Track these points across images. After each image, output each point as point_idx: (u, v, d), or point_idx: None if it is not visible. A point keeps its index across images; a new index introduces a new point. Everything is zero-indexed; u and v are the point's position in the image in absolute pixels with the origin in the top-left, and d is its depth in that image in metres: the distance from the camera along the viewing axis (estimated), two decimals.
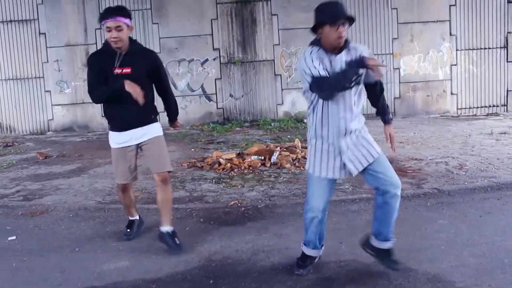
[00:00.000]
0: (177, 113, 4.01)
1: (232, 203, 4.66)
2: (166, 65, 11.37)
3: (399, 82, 11.74)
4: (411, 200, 4.63)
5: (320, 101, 2.84)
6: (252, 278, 3.04)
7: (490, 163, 6.00)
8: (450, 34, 11.70)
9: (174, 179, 5.80)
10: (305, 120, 11.05)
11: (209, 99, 11.62)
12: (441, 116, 11.64)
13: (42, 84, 11.51)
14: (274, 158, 6.30)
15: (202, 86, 11.57)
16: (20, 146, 9.34)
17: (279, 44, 11.40)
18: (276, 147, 6.98)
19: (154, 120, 3.72)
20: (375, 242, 3.06)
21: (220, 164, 6.18)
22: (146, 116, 3.62)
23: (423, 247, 3.45)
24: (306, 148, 6.96)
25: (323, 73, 2.71)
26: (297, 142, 7.19)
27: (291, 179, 5.54)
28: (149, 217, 4.45)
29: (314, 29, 2.84)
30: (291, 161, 6.24)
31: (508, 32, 11.74)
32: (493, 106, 12.00)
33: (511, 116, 11.07)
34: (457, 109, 11.96)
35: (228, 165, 6.11)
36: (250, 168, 6.04)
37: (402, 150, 7.07)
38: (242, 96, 11.58)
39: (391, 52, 11.74)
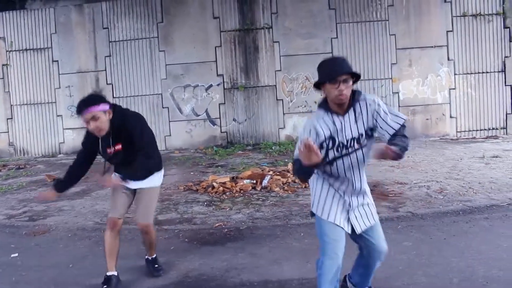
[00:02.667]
0: (136, 175, 3.73)
1: (217, 224, 5.02)
2: (172, 91, 11.94)
3: (399, 106, 12.04)
4: (383, 222, 4.87)
5: (331, 164, 2.75)
6: None
7: (470, 187, 6.26)
8: (448, 59, 12.02)
9: (169, 202, 6.19)
10: None
11: (213, 123, 12.08)
12: (441, 139, 11.88)
13: (54, 109, 12.13)
14: (265, 182, 6.65)
15: (206, 111, 12.04)
16: (32, 169, 9.85)
17: (280, 70, 11.86)
18: (269, 171, 7.34)
19: (152, 173, 3.82)
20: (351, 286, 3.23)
21: (213, 187, 6.55)
22: (144, 175, 3.76)
23: (382, 267, 3.73)
24: None
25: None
26: (290, 166, 7.54)
27: (277, 202, 5.88)
28: (140, 238, 4.81)
29: (317, 87, 2.71)
30: (281, 184, 6.58)
31: (505, 56, 12.02)
32: (493, 129, 12.21)
33: (509, 139, 11.25)
34: (457, 132, 12.20)
35: (221, 188, 6.48)
36: (241, 191, 6.40)
37: (390, 174, 7.37)
38: (245, 120, 12.02)
39: (390, 77, 12.09)
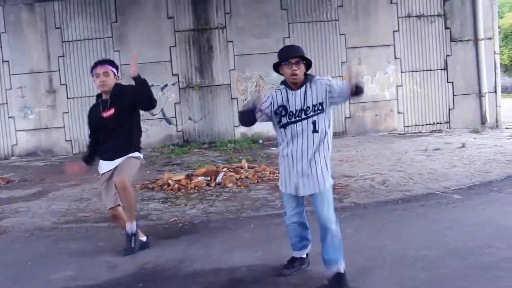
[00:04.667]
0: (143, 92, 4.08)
1: (172, 220, 5.25)
2: None
3: (349, 103, 12.53)
4: None
5: (284, 128, 3.33)
6: (175, 281, 3.63)
7: (410, 178, 6.74)
8: (395, 57, 12.63)
9: None
10: (260, 141, 11.76)
11: (169, 123, 12.21)
12: (389, 134, 12.48)
13: (6, 110, 11.90)
14: (219, 178, 6.91)
15: (162, 110, 12.15)
16: None
17: (234, 69, 12.12)
18: (224, 168, 7.60)
19: (130, 152, 4.21)
20: (324, 269, 3.45)
21: (169, 185, 6.75)
22: (126, 152, 4.18)
23: None
24: (252, 168, 7.62)
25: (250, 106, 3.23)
26: (244, 163, 7.83)
27: (230, 197, 6.16)
28: (98, 234, 5.00)
29: (275, 69, 3.37)
30: (235, 180, 6.85)
31: (447, 55, 12.74)
32: (437, 123, 12.92)
33: (451, 132, 11.96)
34: (404, 127, 12.83)
35: (176, 186, 6.69)
36: (196, 188, 6.63)
37: (339, 168, 7.77)
38: (201, 119, 12.21)
39: (340, 75, 12.55)
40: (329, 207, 3.35)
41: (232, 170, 7.43)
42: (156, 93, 12.03)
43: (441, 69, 12.77)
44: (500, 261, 3.70)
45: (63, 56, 11.90)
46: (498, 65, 13.31)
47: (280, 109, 3.31)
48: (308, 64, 3.33)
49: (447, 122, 12.93)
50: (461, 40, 12.74)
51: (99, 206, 6.08)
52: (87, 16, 11.90)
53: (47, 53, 11.92)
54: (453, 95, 12.80)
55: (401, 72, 12.69)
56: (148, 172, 8.39)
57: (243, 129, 12.29)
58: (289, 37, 12.30)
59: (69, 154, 11.72)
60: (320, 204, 3.33)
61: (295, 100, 3.28)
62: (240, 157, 9.35)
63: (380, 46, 12.57)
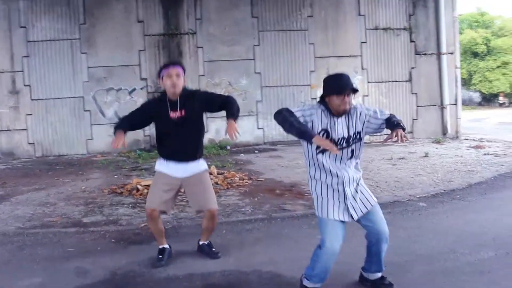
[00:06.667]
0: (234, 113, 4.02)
1: (142, 225, 5.20)
2: (94, 94, 11.77)
3: None
4: (299, 219, 5.39)
5: (323, 153, 3.18)
6: (149, 287, 3.60)
7: (377, 186, 6.92)
8: (362, 68, 12.91)
9: (93, 204, 6.24)
10: (228, 147, 11.77)
11: None
12: None
13: None
14: None
15: None
16: None
17: (204, 75, 12.09)
18: None
19: (199, 158, 4.17)
20: (370, 276, 3.54)
21: (138, 190, 6.68)
22: (194, 153, 4.11)
23: (298, 258, 4.14)
24: (221, 174, 7.63)
25: (296, 115, 3.11)
26: (213, 169, 7.83)
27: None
28: (66, 240, 4.90)
29: (322, 97, 3.21)
30: None
31: (411, 68, 13.12)
32: None
33: (415, 142, 12.30)
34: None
35: (146, 191, 6.61)
36: None
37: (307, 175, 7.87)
38: None
39: (309, 83, 12.76)
40: (383, 218, 3.38)
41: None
42: (124, 97, 11.94)
43: (406, 81, 13.14)
44: (463, 266, 3.87)
45: (27, 56, 11.57)
46: (459, 79, 13.83)
47: (322, 132, 3.17)
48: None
49: (410, 132, 13.27)
50: (425, 54, 13.17)
51: (66, 211, 5.97)
52: (54, 16, 11.62)
53: (10, 53, 11.56)
54: (417, 106, 13.18)
55: (368, 82, 12.97)
56: (115, 176, 8.27)
57: (211, 135, 12.26)
58: (259, 44, 12.41)
59: (31, 157, 11.39)
60: (379, 217, 3.33)
61: (338, 128, 3.17)
62: (209, 163, 9.31)
63: (348, 56, 12.83)
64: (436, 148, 11.05)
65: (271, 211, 5.69)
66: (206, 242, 4.30)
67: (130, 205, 6.12)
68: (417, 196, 6.29)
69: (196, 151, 4.12)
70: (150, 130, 11.90)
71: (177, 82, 3.92)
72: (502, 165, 8.51)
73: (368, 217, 3.29)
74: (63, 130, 11.67)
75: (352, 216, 3.24)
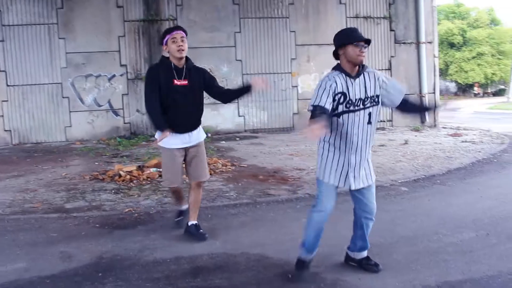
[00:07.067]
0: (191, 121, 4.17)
1: (127, 210, 5.16)
2: (73, 80, 11.56)
3: (297, 99, 12.77)
4: (284, 203, 5.42)
5: (338, 117, 3.16)
6: (136, 270, 3.58)
7: None
8: None
9: (75, 190, 6.16)
10: (209, 134, 11.70)
11: (116, 114, 11.90)
12: None
13: None
14: None
15: (109, 101, 11.83)
16: None
17: None
18: None
19: (199, 125, 4.25)
20: (355, 255, 3.58)
21: (120, 176, 6.61)
22: (197, 122, 4.21)
23: (284, 240, 4.19)
24: None
25: (321, 106, 3.03)
26: None
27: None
28: (49, 225, 4.82)
29: (335, 52, 3.20)
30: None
31: (391, 56, 13.26)
32: (381, 121, 13.40)
33: (394, 130, 12.47)
34: None
35: (128, 177, 6.56)
36: (149, 179, 6.54)
37: (290, 162, 7.93)
38: None
39: (289, 71, 12.78)
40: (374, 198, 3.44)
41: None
42: (104, 84, 11.76)
43: (386, 69, 13.23)
44: (446, 246, 3.96)
45: (2, 40, 11.27)
46: (437, 68, 14.04)
47: (339, 95, 3.13)
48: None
49: (390, 121, 13.45)
50: (404, 43, 13.31)
51: (47, 197, 5.88)
52: (30, 0, 11.34)
53: None
54: None
55: None
56: (96, 163, 8.16)
57: None
58: (240, 32, 12.35)
59: (7, 145, 11.15)
60: (372, 196, 3.39)
61: (355, 88, 3.15)
62: None
63: (328, 44, 12.75)
64: (415, 135, 11.22)
65: (256, 196, 5.70)
66: (194, 223, 4.28)
67: (113, 191, 6.06)
68: (399, 181, 6.39)
69: (199, 120, 4.21)
70: (130, 117, 11.88)
71: (183, 45, 3.89)
72: (479, 151, 8.70)
73: (363, 191, 3.35)
74: (41, 117, 11.44)
75: (350, 185, 3.28)
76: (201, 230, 4.27)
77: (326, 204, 3.34)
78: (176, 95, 3.97)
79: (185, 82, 4.00)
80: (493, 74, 38.61)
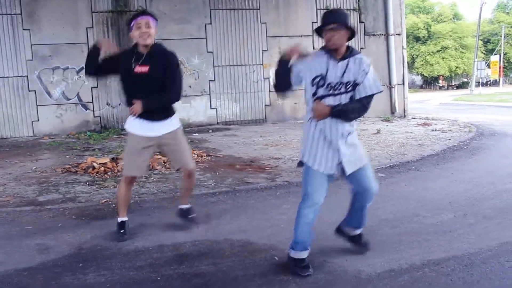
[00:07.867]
0: (155, 103, 3.81)
1: (103, 201, 5.03)
2: (39, 73, 11.21)
3: (269, 91, 12.77)
4: (263, 191, 5.40)
5: (320, 100, 3.07)
6: (118, 259, 3.48)
7: None
8: (313, 48, 13.00)
9: (48, 183, 5.97)
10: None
11: (86, 108, 11.63)
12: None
13: None
14: None
15: (78, 95, 11.55)
16: None
17: None
18: None
19: (171, 116, 3.93)
20: (348, 230, 3.53)
21: (94, 168, 6.45)
22: (162, 112, 3.86)
23: (266, 226, 4.17)
24: None
25: (294, 70, 3.08)
26: None
27: (161, 179, 6.04)
28: (22, 218, 4.65)
29: (319, 33, 3.15)
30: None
31: (361, 48, 13.40)
32: None
33: (365, 121, 12.62)
34: None
35: (102, 168, 6.41)
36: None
37: (265, 151, 7.92)
38: (119, 104, 11.73)
39: (261, 63, 12.77)
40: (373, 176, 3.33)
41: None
42: (72, 77, 11.45)
43: None
44: (427, 227, 4.03)
45: None
46: (406, 59, 14.29)
47: (318, 78, 3.07)
48: (351, 34, 3.09)
49: None
50: (373, 34, 13.49)
51: (18, 191, 5.67)
52: None
53: None
54: None
55: None
56: (67, 157, 7.94)
57: None
58: (210, 23, 12.25)
59: None
60: (369, 175, 3.29)
61: (336, 71, 3.05)
62: None
63: (299, 36, 12.89)
64: (386, 125, 11.40)
65: (234, 184, 5.66)
66: (185, 207, 4.21)
67: (88, 183, 5.90)
68: (375, 168, 6.43)
69: (164, 109, 3.88)
70: (100, 110, 11.62)
71: (147, 31, 3.66)
72: (449, 139, 8.90)
73: (359, 173, 3.22)
74: (6, 111, 11.07)
75: (343, 171, 3.14)
76: (193, 214, 4.23)
77: (315, 194, 3.13)
78: (136, 82, 3.77)
79: (145, 69, 3.73)
80: (456, 67, 39.69)
